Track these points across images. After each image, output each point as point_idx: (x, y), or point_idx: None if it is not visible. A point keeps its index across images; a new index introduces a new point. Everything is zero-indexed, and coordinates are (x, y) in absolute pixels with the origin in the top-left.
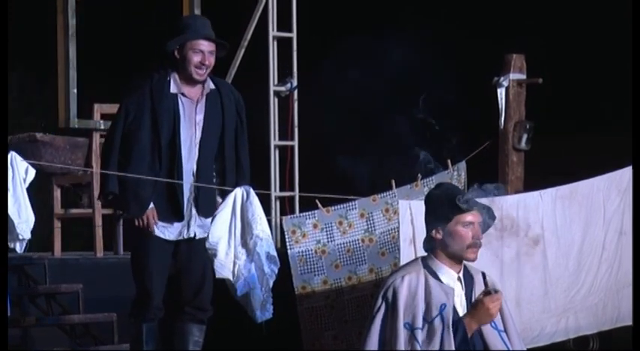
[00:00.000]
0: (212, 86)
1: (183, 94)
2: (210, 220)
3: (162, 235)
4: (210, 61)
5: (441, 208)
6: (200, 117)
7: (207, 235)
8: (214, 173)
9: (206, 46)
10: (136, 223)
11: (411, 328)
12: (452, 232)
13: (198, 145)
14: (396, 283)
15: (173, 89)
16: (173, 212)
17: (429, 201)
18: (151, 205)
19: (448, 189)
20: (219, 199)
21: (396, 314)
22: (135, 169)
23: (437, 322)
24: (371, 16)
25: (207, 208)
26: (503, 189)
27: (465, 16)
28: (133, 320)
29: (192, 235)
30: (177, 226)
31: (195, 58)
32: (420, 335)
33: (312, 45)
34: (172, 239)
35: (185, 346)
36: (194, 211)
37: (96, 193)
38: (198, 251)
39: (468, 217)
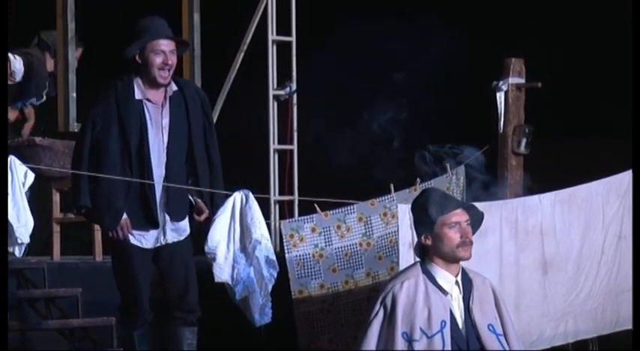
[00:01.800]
0: (175, 88)
1: (148, 100)
2: (183, 223)
3: (139, 244)
4: (173, 60)
5: (425, 214)
6: (166, 121)
7: (207, 239)
8: (186, 175)
9: (166, 45)
10: (110, 235)
11: (409, 339)
12: (439, 236)
13: (166, 150)
14: (395, 289)
15: (138, 95)
16: (147, 220)
17: (414, 208)
18: (125, 216)
19: (430, 194)
20: (197, 201)
21: (393, 321)
22: (106, 180)
23: (437, 339)
24: (370, 20)
25: (179, 211)
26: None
27: (464, 17)
28: (123, 328)
29: (168, 241)
30: (153, 233)
31: (157, 60)
32: (418, 348)
33: (311, 49)
34: (150, 247)
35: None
36: (167, 216)
37: None
38: (177, 255)
39: (452, 217)
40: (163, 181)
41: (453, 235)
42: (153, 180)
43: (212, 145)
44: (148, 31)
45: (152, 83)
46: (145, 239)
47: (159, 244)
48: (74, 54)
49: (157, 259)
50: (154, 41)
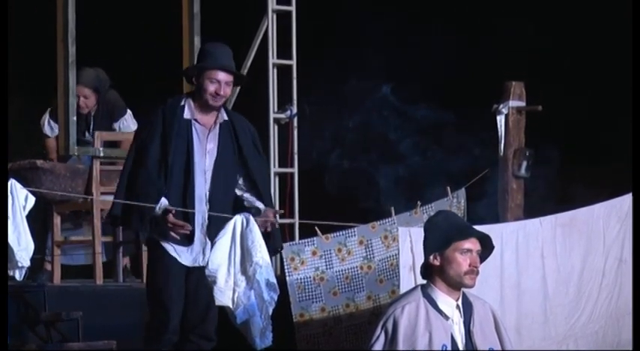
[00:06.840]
0: (225, 117)
1: (196, 121)
2: None
3: (178, 258)
4: (226, 91)
5: (440, 234)
6: (211, 145)
7: (207, 262)
8: (245, 192)
9: (223, 76)
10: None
11: None
12: (450, 259)
13: (211, 173)
14: (396, 313)
15: (187, 115)
16: (186, 237)
17: (429, 227)
18: (164, 201)
19: (448, 216)
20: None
21: (395, 346)
22: (142, 193)
23: None
24: (370, 43)
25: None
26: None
27: (465, 41)
28: (148, 344)
29: (207, 263)
30: (193, 252)
31: (211, 87)
32: None
33: (311, 72)
34: (188, 265)
35: None
36: (207, 238)
37: (96, 220)
38: (206, 279)
39: (467, 244)
40: (206, 204)
41: (463, 261)
42: (194, 199)
43: (264, 175)
44: (209, 57)
45: (203, 106)
46: (184, 255)
47: (196, 264)
48: (74, 78)
49: (186, 279)
50: (211, 70)
